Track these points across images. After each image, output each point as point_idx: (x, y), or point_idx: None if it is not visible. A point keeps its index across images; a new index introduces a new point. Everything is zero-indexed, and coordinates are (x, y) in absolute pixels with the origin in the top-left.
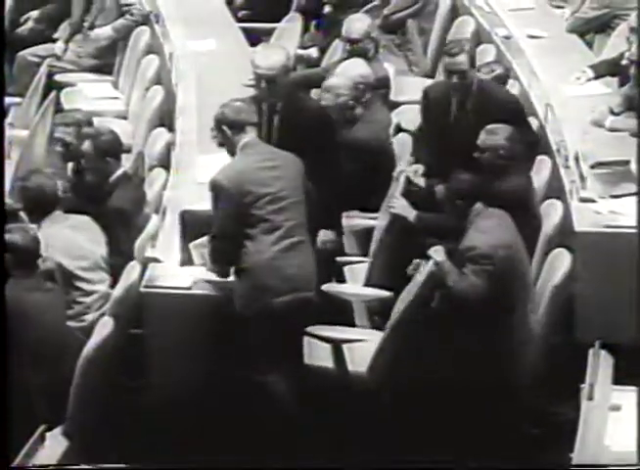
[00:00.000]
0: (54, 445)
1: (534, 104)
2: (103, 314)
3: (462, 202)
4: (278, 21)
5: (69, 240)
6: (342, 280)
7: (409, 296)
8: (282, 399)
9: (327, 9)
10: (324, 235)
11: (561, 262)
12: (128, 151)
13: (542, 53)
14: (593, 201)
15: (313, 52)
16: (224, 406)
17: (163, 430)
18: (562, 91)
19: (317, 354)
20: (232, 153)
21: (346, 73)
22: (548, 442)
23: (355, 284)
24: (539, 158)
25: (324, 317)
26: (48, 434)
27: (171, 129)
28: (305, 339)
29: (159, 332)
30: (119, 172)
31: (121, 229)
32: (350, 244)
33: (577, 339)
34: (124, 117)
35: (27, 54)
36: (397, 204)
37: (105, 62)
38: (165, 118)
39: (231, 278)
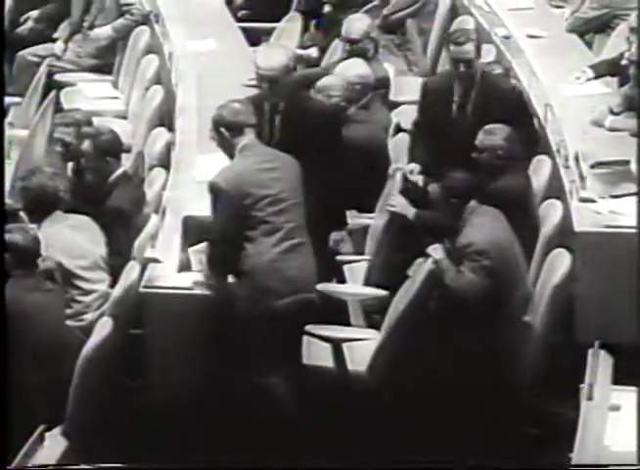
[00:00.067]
0: (53, 445)
1: (534, 104)
2: (102, 314)
3: (456, 200)
4: (278, 20)
5: (69, 239)
6: (342, 279)
7: (407, 295)
8: (282, 399)
9: (327, 9)
10: (335, 235)
11: (561, 263)
12: (128, 151)
13: (542, 53)
14: (593, 201)
15: (313, 52)
16: (224, 406)
17: (163, 430)
18: (561, 91)
19: (317, 354)
20: (230, 155)
21: (343, 74)
22: (548, 442)
23: (356, 283)
24: (539, 157)
25: (321, 317)
26: (47, 434)
27: (171, 129)
28: (305, 339)
29: (158, 332)
30: (119, 172)
31: (121, 229)
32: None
33: (577, 339)
34: (124, 117)
35: (27, 54)
36: (396, 202)
37: (104, 61)
38: (165, 118)
39: (231, 280)
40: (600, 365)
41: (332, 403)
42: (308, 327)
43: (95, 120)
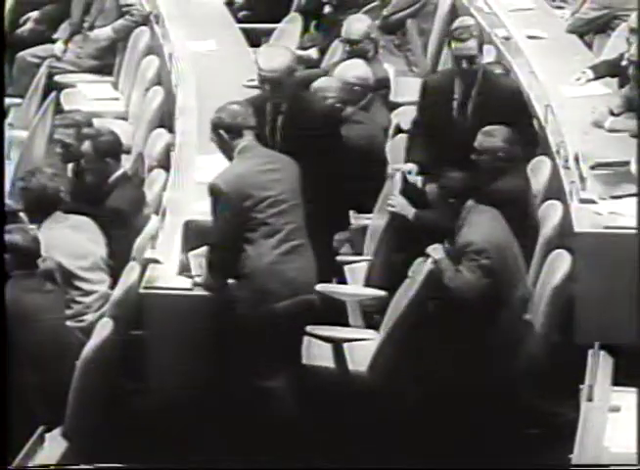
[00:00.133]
0: (53, 446)
1: (534, 105)
2: (102, 315)
3: (454, 200)
4: (278, 21)
5: (70, 240)
6: (343, 280)
7: (407, 295)
8: (282, 400)
9: (327, 9)
10: (340, 235)
11: (561, 263)
12: (128, 152)
13: (542, 54)
14: (593, 202)
15: (313, 53)
16: (224, 407)
17: (163, 431)
18: (562, 92)
19: (318, 354)
20: (230, 157)
21: (342, 75)
22: (547, 442)
23: (357, 284)
24: (539, 158)
25: (321, 317)
26: (47, 435)
27: (171, 130)
28: (306, 339)
29: (158, 333)
30: (119, 173)
31: (120, 229)
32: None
33: (577, 340)
34: (124, 118)
35: (27, 55)
36: (396, 202)
37: (105, 62)
38: (165, 119)
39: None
40: (600, 366)
41: (332, 403)
42: (309, 327)
43: (95, 122)
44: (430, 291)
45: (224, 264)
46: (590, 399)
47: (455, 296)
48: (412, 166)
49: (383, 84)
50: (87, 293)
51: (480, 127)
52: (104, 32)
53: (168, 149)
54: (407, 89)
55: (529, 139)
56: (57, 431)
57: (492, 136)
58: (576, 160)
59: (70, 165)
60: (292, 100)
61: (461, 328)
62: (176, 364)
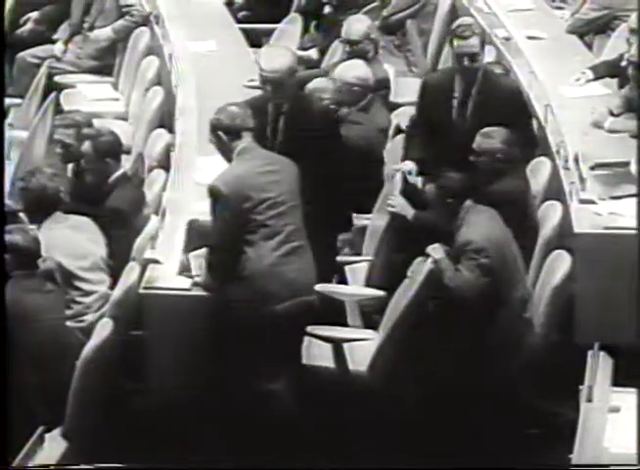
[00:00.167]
0: (53, 446)
1: (534, 105)
2: (102, 315)
3: (453, 200)
4: (278, 22)
5: (70, 240)
6: (344, 280)
7: (407, 295)
8: (282, 400)
9: (327, 10)
10: (344, 236)
11: (560, 264)
12: (128, 152)
13: (542, 54)
14: (593, 202)
15: (313, 53)
16: (224, 407)
17: (163, 431)
18: (561, 92)
19: (318, 354)
20: (229, 159)
21: (340, 75)
22: (547, 443)
23: (357, 284)
24: (539, 159)
25: (320, 318)
26: (47, 435)
27: (171, 130)
28: (306, 339)
29: (158, 333)
30: (119, 173)
31: (120, 229)
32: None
33: (577, 340)
34: (124, 119)
35: (27, 55)
36: (396, 202)
37: (104, 63)
38: (165, 120)
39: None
40: (600, 367)
41: (332, 403)
42: (309, 328)
43: (95, 122)
44: (430, 291)
45: (223, 266)
46: (590, 400)
47: (455, 295)
48: (412, 167)
49: (383, 85)
50: (87, 293)
51: (479, 128)
52: (104, 33)
53: (168, 149)
54: (407, 89)
55: (528, 140)
56: (57, 431)
57: (491, 138)
58: (576, 160)
59: (70, 166)
60: (293, 100)
61: (461, 328)
62: (176, 364)
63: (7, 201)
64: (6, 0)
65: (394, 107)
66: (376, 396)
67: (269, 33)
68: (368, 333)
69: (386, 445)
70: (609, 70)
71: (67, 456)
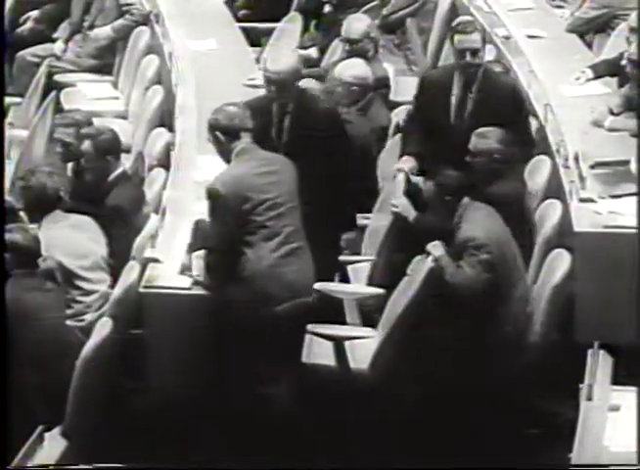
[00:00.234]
0: (53, 445)
1: (534, 104)
2: (102, 315)
3: (451, 197)
4: (278, 20)
5: (70, 239)
6: (346, 280)
7: (407, 293)
8: (282, 400)
9: (327, 9)
10: (348, 235)
11: (560, 263)
12: (128, 151)
13: (542, 53)
14: (593, 201)
15: (313, 52)
16: (224, 407)
17: (163, 430)
18: (561, 91)
19: (318, 352)
20: (227, 159)
21: (340, 74)
22: (547, 442)
23: (359, 283)
24: (538, 158)
25: (319, 316)
26: (47, 434)
27: (171, 129)
28: (307, 337)
29: (158, 332)
30: (118, 171)
31: (120, 228)
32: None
33: (577, 339)
34: (124, 118)
35: (27, 54)
36: (399, 202)
37: (104, 62)
38: (165, 118)
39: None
40: (599, 365)
41: (333, 402)
42: (310, 326)
43: (95, 121)
44: (430, 289)
45: (223, 267)
46: (590, 399)
47: (456, 293)
48: (413, 165)
49: (382, 83)
50: (88, 292)
51: (477, 126)
52: (104, 32)
53: (168, 148)
54: (407, 88)
55: (526, 139)
56: (56, 430)
57: (486, 138)
58: (576, 159)
59: (70, 165)
60: (298, 100)
61: (461, 327)
62: (176, 363)
63: (7, 197)
64: None
65: (394, 105)
66: (376, 394)
67: (269, 32)
68: (369, 331)
69: (386, 444)
70: (609, 69)
71: (66, 455)
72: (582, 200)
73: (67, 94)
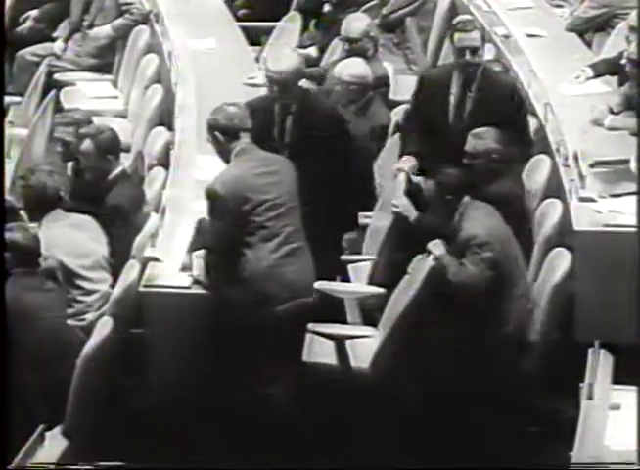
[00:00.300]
0: (53, 444)
1: (534, 103)
2: (103, 314)
3: (451, 196)
4: (278, 20)
5: (71, 238)
6: (347, 279)
7: (408, 292)
8: (283, 400)
9: (326, 8)
10: (350, 235)
11: (560, 262)
12: (127, 150)
13: (541, 52)
14: (593, 200)
15: (312, 51)
16: (224, 406)
17: (163, 430)
18: (561, 90)
19: (319, 351)
20: (227, 159)
21: (339, 73)
22: (548, 440)
23: (360, 283)
24: (538, 157)
25: (320, 315)
26: (47, 433)
27: (171, 128)
28: (308, 336)
29: (158, 332)
30: (118, 170)
31: (120, 227)
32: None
33: (577, 338)
34: (124, 117)
35: (27, 53)
36: (399, 202)
37: (104, 61)
38: (165, 117)
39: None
40: (600, 364)
41: (334, 401)
42: (311, 325)
43: (95, 120)
44: (431, 288)
45: (222, 267)
46: (590, 398)
47: (459, 291)
48: (413, 164)
49: (382, 82)
50: (89, 292)
51: (476, 125)
52: (103, 31)
53: (168, 147)
54: (407, 87)
55: (524, 139)
56: (57, 429)
57: (483, 139)
58: (576, 158)
59: (70, 164)
60: (300, 100)
61: (462, 326)
62: (176, 362)
63: (7, 196)
64: None
65: (394, 105)
66: (377, 393)
67: (269, 31)
68: (369, 330)
69: (386, 444)
70: (608, 68)
71: (67, 454)
72: (582, 199)
73: (66, 93)
